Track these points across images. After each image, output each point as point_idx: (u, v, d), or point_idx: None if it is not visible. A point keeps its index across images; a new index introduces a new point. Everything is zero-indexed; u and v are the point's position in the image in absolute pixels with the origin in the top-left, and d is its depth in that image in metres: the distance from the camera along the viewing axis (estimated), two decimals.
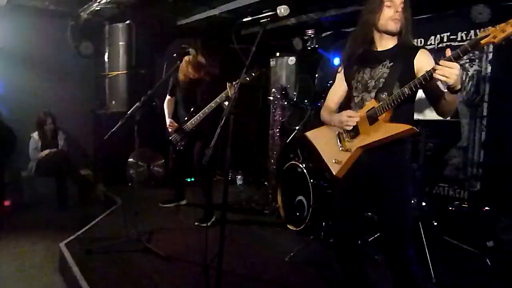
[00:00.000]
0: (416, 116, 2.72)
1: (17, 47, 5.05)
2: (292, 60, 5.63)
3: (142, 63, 5.48)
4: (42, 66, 5.25)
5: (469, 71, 3.95)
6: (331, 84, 2.22)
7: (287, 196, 3.79)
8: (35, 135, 4.86)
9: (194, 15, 5.21)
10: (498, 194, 3.64)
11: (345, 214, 2.05)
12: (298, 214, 3.58)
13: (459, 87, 1.63)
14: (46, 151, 4.81)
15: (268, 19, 1.99)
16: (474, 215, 3.54)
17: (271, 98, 5.59)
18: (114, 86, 5.45)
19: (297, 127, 4.13)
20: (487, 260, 2.89)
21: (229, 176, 3.53)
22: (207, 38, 5.66)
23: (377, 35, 1.93)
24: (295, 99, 4.62)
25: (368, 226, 2.92)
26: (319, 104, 3.77)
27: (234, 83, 3.27)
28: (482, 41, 1.54)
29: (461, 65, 3.96)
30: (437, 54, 3.71)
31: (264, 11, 2.00)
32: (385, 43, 1.93)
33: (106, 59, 5.48)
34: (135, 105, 3.12)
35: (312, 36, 5.18)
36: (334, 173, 1.98)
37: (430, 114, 2.85)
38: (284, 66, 5.69)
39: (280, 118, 5.44)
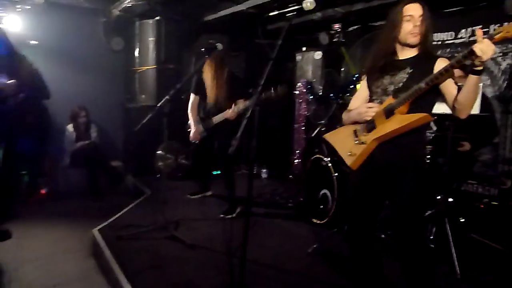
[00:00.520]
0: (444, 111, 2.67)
1: (52, 43, 5.23)
2: (318, 54, 5.60)
3: (170, 58, 5.59)
4: (75, 62, 5.44)
5: (501, 64, 3.83)
6: (357, 78, 2.24)
7: (312, 190, 3.81)
8: (69, 127, 5.08)
9: (221, 10, 5.27)
10: None
11: (358, 205, 2.09)
12: (322, 207, 3.60)
13: (483, 67, 1.69)
14: (80, 143, 5.03)
15: (294, 13, 2.02)
16: (504, 213, 3.45)
17: (297, 92, 5.60)
18: (143, 81, 5.60)
19: (322, 121, 4.14)
20: None
21: (254, 169, 3.57)
22: (233, 33, 5.73)
23: (399, 47, 1.99)
24: (320, 94, 4.60)
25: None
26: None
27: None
28: (496, 36, 1.61)
29: (493, 59, 3.86)
30: (468, 48, 3.61)
31: (290, 5, 2.03)
32: (406, 53, 1.99)
33: (136, 54, 5.64)
34: (164, 98, 3.21)
35: (338, 30, 5.14)
36: (348, 164, 2.03)
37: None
38: (310, 61, 5.68)
39: (305, 113, 5.46)
